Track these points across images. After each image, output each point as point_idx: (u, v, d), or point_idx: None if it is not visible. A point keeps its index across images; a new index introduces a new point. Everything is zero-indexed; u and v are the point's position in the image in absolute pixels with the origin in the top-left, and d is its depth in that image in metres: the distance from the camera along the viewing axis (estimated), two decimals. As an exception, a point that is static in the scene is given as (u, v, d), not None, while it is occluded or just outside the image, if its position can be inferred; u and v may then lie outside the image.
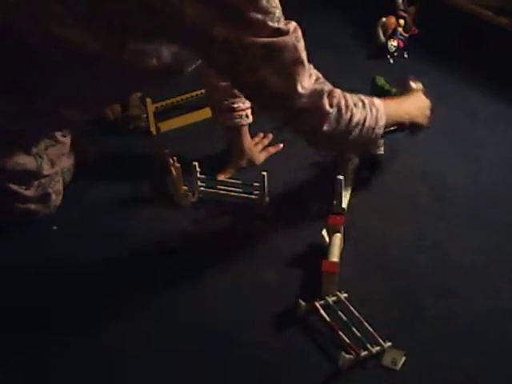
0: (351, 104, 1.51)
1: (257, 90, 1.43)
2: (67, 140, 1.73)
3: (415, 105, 1.77)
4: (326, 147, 1.68)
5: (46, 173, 1.66)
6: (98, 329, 1.46)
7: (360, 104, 1.53)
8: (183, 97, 2.07)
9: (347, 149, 1.74)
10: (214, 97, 1.82)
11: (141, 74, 1.49)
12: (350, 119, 1.50)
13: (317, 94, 1.45)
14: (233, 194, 1.77)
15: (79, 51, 1.40)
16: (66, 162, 1.75)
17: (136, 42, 1.40)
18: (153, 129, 1.99)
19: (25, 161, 1.61)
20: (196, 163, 1.75)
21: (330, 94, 1.48)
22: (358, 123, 1.52)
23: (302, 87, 1.42)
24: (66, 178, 1.76)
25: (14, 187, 1.63)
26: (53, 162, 1.68)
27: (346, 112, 1.49)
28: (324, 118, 1.47)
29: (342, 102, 1.49)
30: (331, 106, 1.47)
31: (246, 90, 1.49)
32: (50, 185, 1.69)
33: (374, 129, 1.56)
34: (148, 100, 1.97)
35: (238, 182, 1.76)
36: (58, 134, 1.69)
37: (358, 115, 1.52)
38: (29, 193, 1.65)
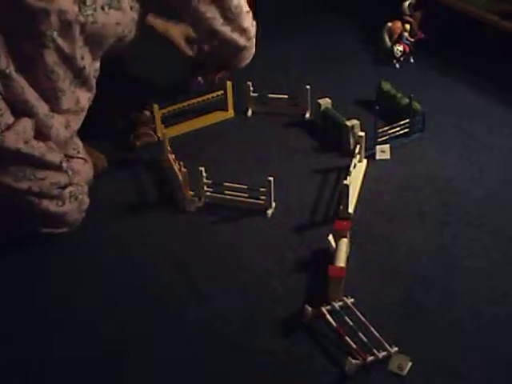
0: None
1: None
2: (82, 154, 1.76)
3: None
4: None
5: (74, 181, 1.69)
6: (101, 335, 1.46)
7: None
8: (189, 102, 2.07)
9: None
10: None
11: None
12: None
13: None
14: (239, 199, 1.77)
15: None
16: (89, 172, 1.77)
17: None
18: (160, 134, 1.99)
19: (58, 178, 1.63)
20: (202, 168, 1.75)
21: None
22: None
23: None
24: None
25: (53, 208, 1.64)
26: (74, 171, 1.70)
27: None
28: None
29: None
30: None
31: None
32: (79, 190, 1.70)
33: None
34: (155, 106, 1.98)
35: (244, 187, 1.76)
36: (74, 152, 1.73)
37: None
38: (65, 208, 1.67)
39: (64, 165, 1.65)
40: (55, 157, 1.63)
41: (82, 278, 1.60)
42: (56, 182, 1.63)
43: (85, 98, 1.71)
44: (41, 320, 1.51)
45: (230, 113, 2.13)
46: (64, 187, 1.65)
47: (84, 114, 1.72)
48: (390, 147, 1.93)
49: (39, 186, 1.60)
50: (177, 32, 2.09)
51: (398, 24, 2.35)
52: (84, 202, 1.72)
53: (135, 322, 1.49)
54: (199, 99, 2.07)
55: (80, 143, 1.75)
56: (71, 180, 1.67)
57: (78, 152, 1.75)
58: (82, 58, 1.65)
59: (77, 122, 1.71)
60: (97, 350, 1.43)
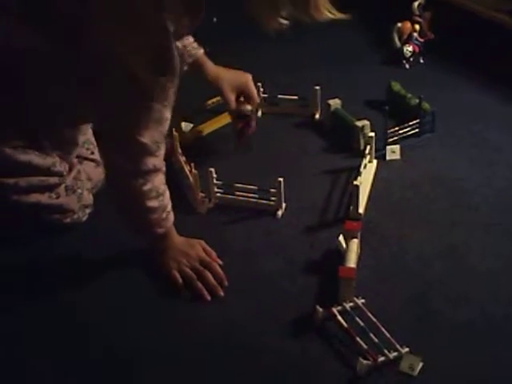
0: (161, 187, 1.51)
1: None
2: (96, 156, 1.77)
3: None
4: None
5: (67, 181, 1.68)
6: (108, 337, 1.47)
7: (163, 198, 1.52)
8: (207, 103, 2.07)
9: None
10: None
11: None
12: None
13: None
14: (249, 200, 1.77)
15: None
16: (100, 175, 1.75)
17: None
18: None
19: (47, 179, 1.63)
20: (212, 169, 1.76)
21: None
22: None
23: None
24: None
25: (45, 201, 1.63)
26: (82, 173, 1.71)
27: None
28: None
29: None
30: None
31: None
32: (77, 184, 1.69)
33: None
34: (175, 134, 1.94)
35: (254, 188, 1.76)
36: (87, 153, 1.74)
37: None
38: (61, 200, 1.66)
39: (55, 169, 1.63)
40: (45, 162, 1.61)
41: (88, 280, 1.60)
42: (44, 181, 1.62)
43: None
44: (43, 320, 1.51)
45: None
46: (55, 186, 1.64)
47: (88, 125, 1.71)
48: (400, 148, 1.93)
49: (27, 181, 1.59)
50: (227, 79, 1.88)
51: (408, 24, 2.35)
52: (84, 198, 1.70)
53: (143, 324, 1.49)
54: (214, 100, 2.07)
55: (95, 143, 1.75)
56: (63, 180, 1.66)
57: (92, 153, 1.74)
58: None
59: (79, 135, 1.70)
60: (103, 352, 1.43)
